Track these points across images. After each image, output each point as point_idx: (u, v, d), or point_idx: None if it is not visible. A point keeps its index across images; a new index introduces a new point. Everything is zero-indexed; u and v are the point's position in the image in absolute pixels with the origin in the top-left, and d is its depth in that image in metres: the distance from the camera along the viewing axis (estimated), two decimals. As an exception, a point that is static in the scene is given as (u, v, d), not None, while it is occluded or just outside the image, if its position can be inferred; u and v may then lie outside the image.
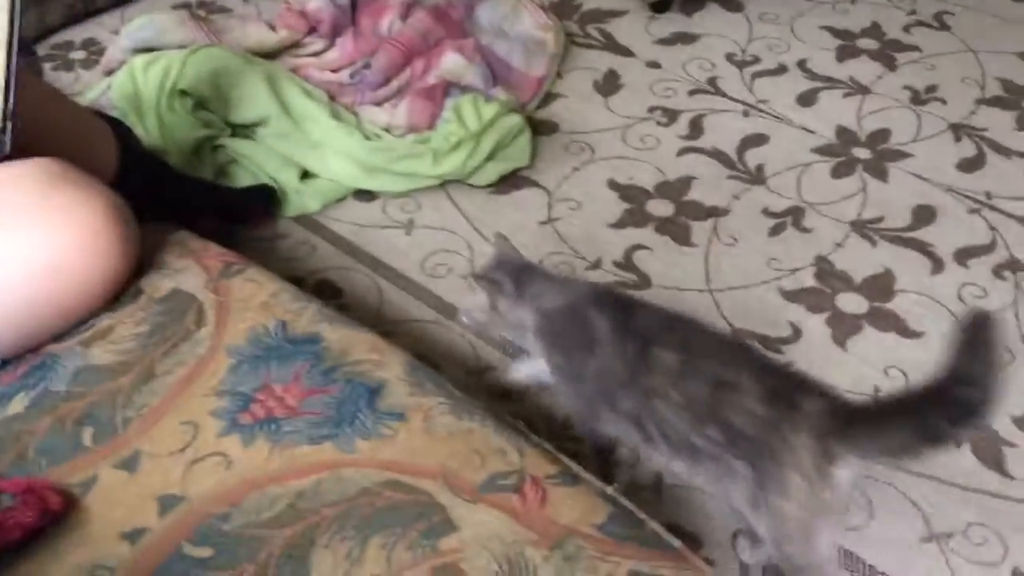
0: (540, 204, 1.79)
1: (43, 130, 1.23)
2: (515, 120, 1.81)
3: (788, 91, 2.08)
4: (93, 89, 1.88)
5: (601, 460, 1.18)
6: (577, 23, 2.27)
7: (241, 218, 1.64)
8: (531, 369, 1.24)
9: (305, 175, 1.75)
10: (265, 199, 1.64)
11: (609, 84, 2.09)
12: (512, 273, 1.13)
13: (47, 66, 2.02)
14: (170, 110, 1.70)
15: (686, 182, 1.85)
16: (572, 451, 0.98)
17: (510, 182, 1.83)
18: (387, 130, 1.82)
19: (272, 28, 1.98)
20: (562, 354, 1.09)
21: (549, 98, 2.04)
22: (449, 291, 1.61)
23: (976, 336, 0.84)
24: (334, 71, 1.96)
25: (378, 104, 1.88)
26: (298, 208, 1.72)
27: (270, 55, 1.95)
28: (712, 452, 0.94)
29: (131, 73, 1.79)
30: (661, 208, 1.80)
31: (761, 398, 0.91)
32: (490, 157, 1.79)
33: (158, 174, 1.47)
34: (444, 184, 1.79)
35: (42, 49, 2.06)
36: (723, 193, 1.83)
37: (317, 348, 0.91)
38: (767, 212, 1.79)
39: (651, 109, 2.03)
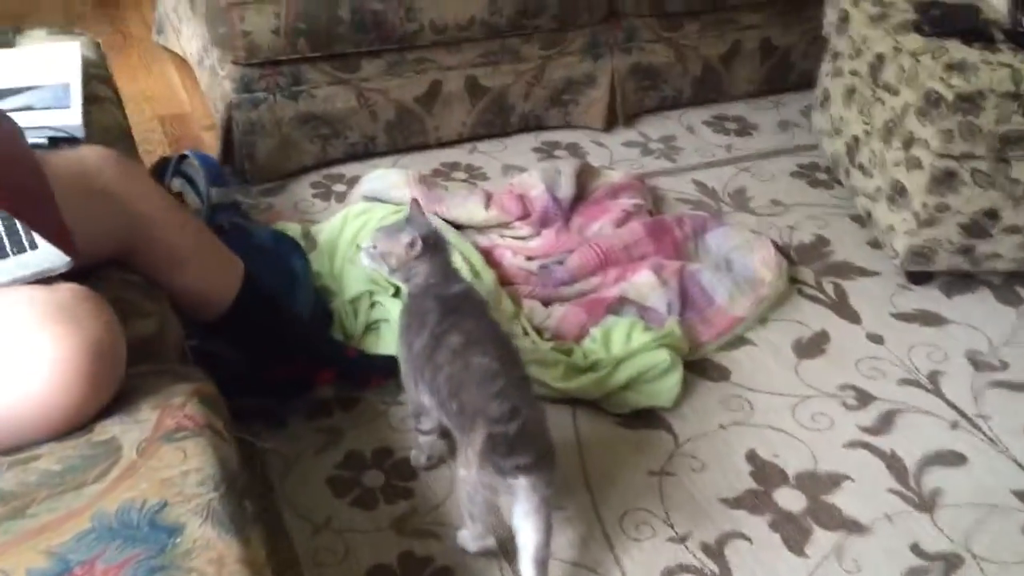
0: (661, 452, 1.66)
1: (169, 249, 1.39)
2: (662, 357, 1.70)
3: (1021, 414, 1.75)
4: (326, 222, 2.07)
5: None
6: (814, 271, 2.10)
7: (359, 382, 1.70)
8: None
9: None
10: (388, 370, 1.69)
11: (812, 346, 1.90)
12: (426, 238, 1.44)
13: (311, 192, 2.27)
14: (349, 261, 1.83)
15: (837, 480, 1.62)
16: None
17: (643, 417, 1.72)
18: (538, 330, 1.80)
19: (487, 205, 2.06)
20: (406, 329, 1.46)
21: (738, 342, 1.90)
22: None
23: None
24: (529, 258, 1.99)
25: (546, 303, 1.88)
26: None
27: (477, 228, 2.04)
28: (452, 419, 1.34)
29: (344, 216, 1.96)
30: (791, 501, 1.58)
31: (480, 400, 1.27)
32: (627, 387, 1.70)
33: (280, 321, 1.57)
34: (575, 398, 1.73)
35: (314, 176, 2.32)
36: (874, 508, 1.57)
37: (167, 542, 0.91)
38: (915, 548, 1.50)
39: (843, 387, 1.81)
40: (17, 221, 1.15)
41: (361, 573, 1.44)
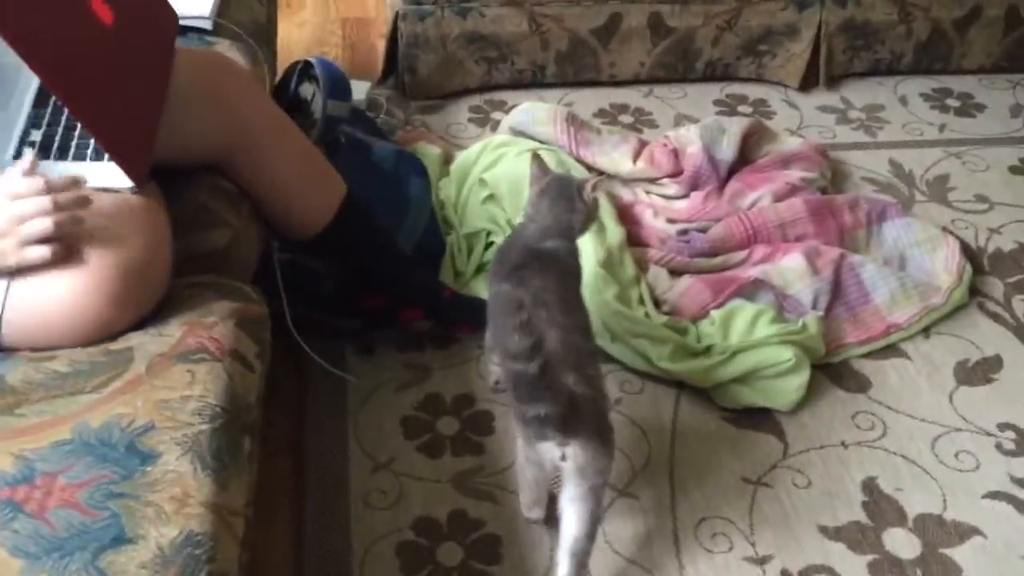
0: (764, 459, 1.48)
1: (266, 163, 1.34)
2: (785, 356, 1.51)
3: None
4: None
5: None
6: (1005, 286, 1.80)
7: (448, 324, 1.61)
8: None
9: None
10: (480, 318, 1.59)
11: (978, 372, 1.64)
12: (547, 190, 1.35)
13: (468, 116, 2.18)
14: (473, 193, 1.73)
15: (964, 533, 1.39)
16: None
17: (754, 416, 1.54)
18: (656, 302, 1.64)
19: (636, 156, 1.89)
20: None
21: (888, 352, 1.66)
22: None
23: None
24: (670, 221, 1.82)
25: (675, 273, 1.71)
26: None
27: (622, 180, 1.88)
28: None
29: (483, 146, 1.86)
30: (903, 545, 1.37)
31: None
32: (741, 380, 1.53)
33: (376, 249, 1.50)
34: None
35: (475, 100, 2.23)
36: (1005, 572, 1.34)
37: (137, 468, 0.86)
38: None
39: (1004, 426, 1.55)
40: None
41: (407, 522, 1.38)
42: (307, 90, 1.64)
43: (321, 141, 1.57)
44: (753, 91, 2.30)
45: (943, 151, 2.16)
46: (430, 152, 1.87)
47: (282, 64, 1.85)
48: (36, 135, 1.11)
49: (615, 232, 1.71)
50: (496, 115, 2.18)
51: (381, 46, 2.41)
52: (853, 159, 2.10)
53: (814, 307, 1.66)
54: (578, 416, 1.15)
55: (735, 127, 1.93)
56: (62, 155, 1.10)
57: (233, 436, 0.95)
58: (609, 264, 1.64)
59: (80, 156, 1.11)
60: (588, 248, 1.64)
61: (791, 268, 1.69)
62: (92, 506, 0.83)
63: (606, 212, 1.72)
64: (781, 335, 1.54)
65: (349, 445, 1.48)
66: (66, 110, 1.13)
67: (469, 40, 2.15)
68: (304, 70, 1.68)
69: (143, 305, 1.04)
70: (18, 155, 1.08)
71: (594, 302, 1.60)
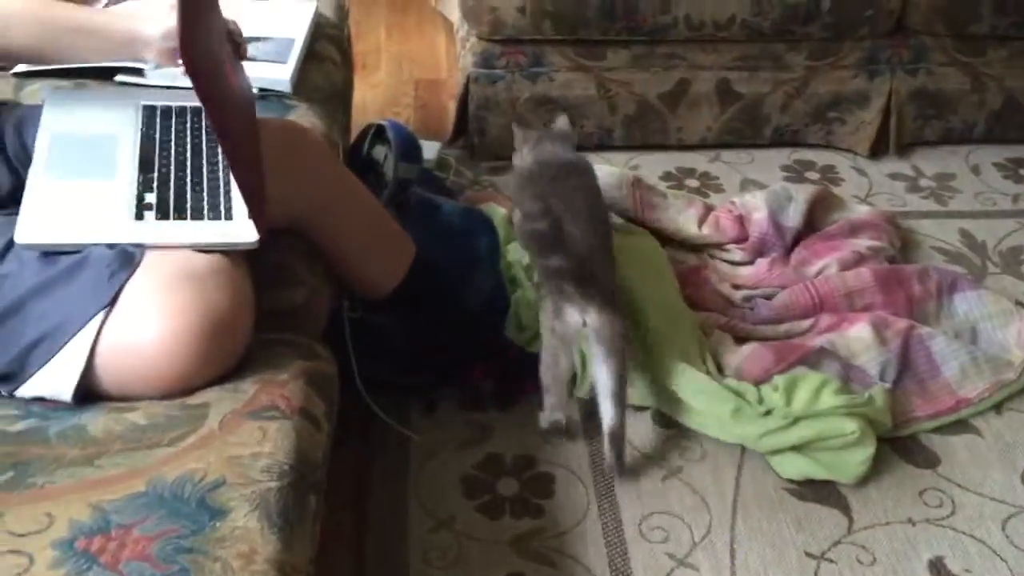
0: (828, 533, 1.45)
1: (340, 228, 1.39)
2: (849, 428, 1.49)
3: None
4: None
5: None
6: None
7: (512, 382, 1.62)
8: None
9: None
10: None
11: (1051, 451, 1.59)
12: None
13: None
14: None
15: (1036, 621, 1.34)
16: None
17: (818, 487, 1.51)
18: (719, 365, 1.64)
19: (702, 221, 1.90)
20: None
21: (959, 427, 1.63)
22: (648, 562, 1.40)
23: None
24: (735, 287, 1.82)
25: (740, 339, 1.70)
26: (588, 389, 1.64)
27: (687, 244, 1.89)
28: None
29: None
30: (970, 631, 1.33)
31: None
32: (803, 449, 1.51)
33: (444, 307, 1.53)
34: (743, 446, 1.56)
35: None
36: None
37: (207, 524, 0.88)
38: None
39: (1080, 511, 1.50)
40: (230, 190, 1.18)
41: (465, 583, 1.39)
42: (379, 152, 1.69)
43: (392, 202, 1.61)
44: (821, 157, 2.30)
45: (1016, 222, 2.12)
46: (498, 212, 1.89)
47: (356, 124, 1.91)
48: (151, 198, 1.15)
49: (672, 292, 1.71)
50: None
51: (452, 107, 2.46)
52: (923, 228, 2.08)
53: (881, 379, 1.64)
54: (593, 282, 1.42)
55: (802, 194, 1.92)
56: (179, 215, 1.14)
57: (300, 494, 0.97)
58: (668, 323, 1.64)
59: (196, 216, 1.15)
60: (646, 308, 1.65)
61: (858, 338, 1.67)
62: (163, 560, 0.86)
63: (662, 270, 1.73)
64: (847, 407, 1.51)
65: (409, 503, 1.49)
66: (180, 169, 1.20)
67: (538, 103, 2.19)
68: (377, 133, 1.73)
69: (225, 362, 1.07)
70: (139, 217, 1.12)
71: (654, 360, 1.60)
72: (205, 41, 1.10)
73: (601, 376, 1.47)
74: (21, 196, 1.14)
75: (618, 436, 1.48)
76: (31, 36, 1.23)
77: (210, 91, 1.02)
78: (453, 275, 1.58)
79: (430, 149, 2.20)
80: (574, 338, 1.47)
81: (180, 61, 1.17)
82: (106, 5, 1.59)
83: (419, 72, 2.66)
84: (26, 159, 1.18)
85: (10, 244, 1.08)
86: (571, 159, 1.65)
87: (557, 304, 1.44)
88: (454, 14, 2.66)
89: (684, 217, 1.91)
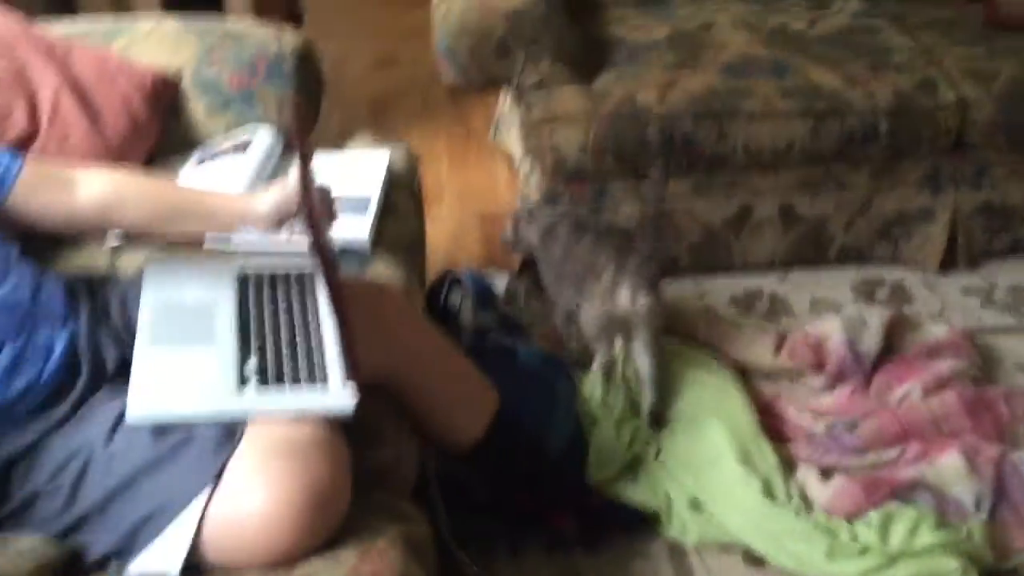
0: None
1: (424, 384, 1.41)
2: (950, 567, 1.44)
3: None
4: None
5: None
6: None
7: (595, 525, 1.60)
8: None
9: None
10: (632, 523, 1.58)
11: None
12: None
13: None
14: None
15: None
16: None
17: (921, 631, 1.46)
18: (805, 500, 1.60)
19: (777, 349, 1.89)
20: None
21: (1063, 561, 1.57)
22: None
23: None
24: (816, 416, 1.79)
25: (826, 472, 1.67)
26: (677, 530, 1.61)
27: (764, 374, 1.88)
28: None
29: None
30: None
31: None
32: (902, 588, 1.46)
33: (527, 454, 1.53)
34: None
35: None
36: None
37: None
38: None
39: None
40: (324, 354, 1.21)
41: None
42: (456, 299, 1.72)
43: (470, 349, 1.63)
44: (890, 274, 2.29)
45: (1098, 333, 2.08)
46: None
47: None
48: (252, 365, 1.18)
49: (752, 424, 1.69)
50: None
51: (516, 239, 2.51)
52: (1003, 344, 2.05)
53: (977, 509, 1.59)
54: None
55: (876, 319, 1.91)
56: (279, 381, 1.17)
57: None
58: (747, 459, 1.62)
59: (295, 381, 1.18)
60: (723, 444, 1.63)
61: (949, 467, 1.63)
62: None
63: (740, 402, 1.72)
64: (947, 544, 1.47)
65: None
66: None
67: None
68: (453, 280, 1.76)
69: (327, 532, 1.08)
70: (242, 383, 1.15)
71: (740, 501, 1.58)
72: (318, 206, 1.16)
73: (643, 363, 1.73)
74: (126, 370, 1.17)
75: (659, 414, 1.74)
76: (145, 214, 1.31)
77: (326, 255, 1.10)
78: (534, 423, 1.59)
79: (498, 282, 2.23)
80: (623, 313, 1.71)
81: (282, 229, 1.25)
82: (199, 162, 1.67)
83: (481, 205, 2.71)
84: (130, 333, 1.22)
85: (119, 420, 1.11)
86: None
87: (617, 288, 1.70)
88: (513, 147, 2.73)
89: (758, 346, 1.90)
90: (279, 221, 1.32)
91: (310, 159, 1.26)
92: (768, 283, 2.28)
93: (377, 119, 3.06)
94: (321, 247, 1.15)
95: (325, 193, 1.33)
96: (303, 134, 1.70)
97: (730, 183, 2.18)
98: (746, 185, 2.18)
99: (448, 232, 2.59)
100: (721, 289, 2.25)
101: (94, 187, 1.33)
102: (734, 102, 2.08)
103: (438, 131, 3.03)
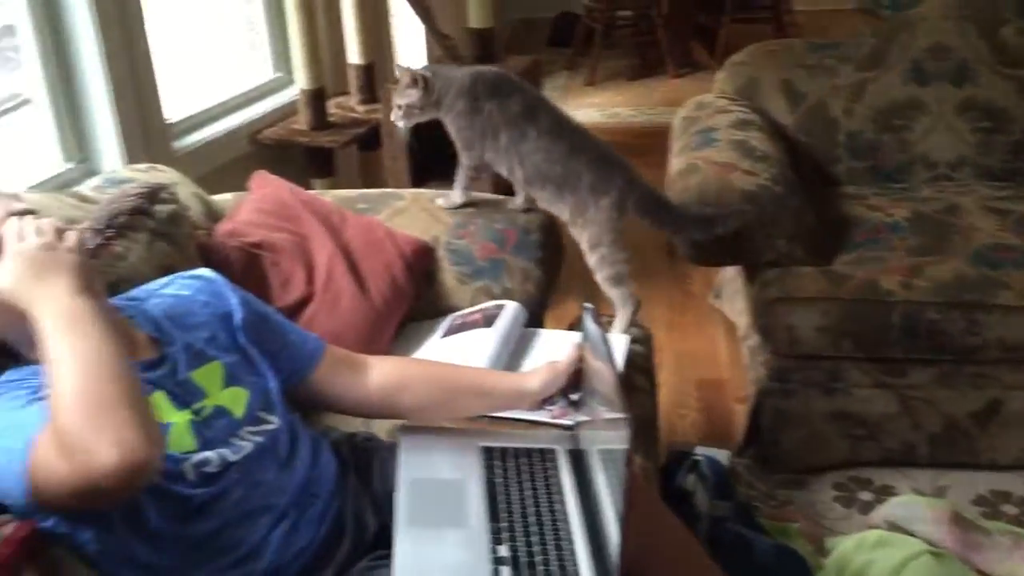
0: None
1: (656, 563, 1.37)
2: None
3: None
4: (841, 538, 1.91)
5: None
6: None
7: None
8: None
9: None
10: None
11: None
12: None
13: (833, 494, 2.13)
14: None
15: None
16: None
17: None
18: None
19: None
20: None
21: None
22: None
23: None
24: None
25: None
26: None
27: None
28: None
29: (859, 542, 1.79)
30: None
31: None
32: None
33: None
34: None
35: (839, 476, 2.17)
36: None
37: None
38: None
39: None
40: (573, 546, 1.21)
41: None
42: (691, 482, 1.69)
43: (705, 538, 1.59)
44: None
45: None
46: (801, 543, 1.83)
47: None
48: (504, 551, 1.17)
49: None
50: (863, 495, 2.11)
51: (737, 410, 2.46)
52: None
53: None
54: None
55: None
56: (531, 570, 1.16)
57: None
58: None
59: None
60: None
61: None
62: None
63: None
64: None
65: None
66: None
67: (835, 417, 2.14)
68: (691, 462, 1.74)
69: None
70: (496, 572, 1.14)
71: None
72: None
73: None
74: (382, 538, 1.21)
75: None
76: (424, 397, 1.38)
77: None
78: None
79: (720, 457, 2.18)
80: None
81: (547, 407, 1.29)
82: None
83: (700, 371, 2.69)
84: (388, 501, 1.27)
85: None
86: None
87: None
88: (737, 316, 2.71)
89: (1014, 560, 1.75)
90: (544, 400, 1.36)
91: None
92: (1015, 483, 2.12)
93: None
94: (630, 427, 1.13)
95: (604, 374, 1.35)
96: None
97: (979, 375, 2.06)
98: (997, 379, 2.06)
99: (667, 399, 2.57)
100: (963, 485, 2.11)
101: (384, 370, 1.40)
102: (988, 292, 1.99)
103: (658, 295, 3.05)
